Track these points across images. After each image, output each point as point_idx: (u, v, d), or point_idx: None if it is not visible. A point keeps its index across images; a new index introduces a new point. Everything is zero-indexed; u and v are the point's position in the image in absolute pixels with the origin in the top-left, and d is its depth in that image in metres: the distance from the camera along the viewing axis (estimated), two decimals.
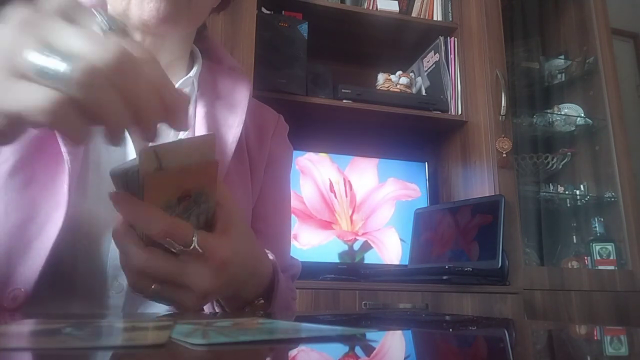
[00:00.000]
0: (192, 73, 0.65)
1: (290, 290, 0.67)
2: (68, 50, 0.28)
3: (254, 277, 0.49)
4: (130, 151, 0.56)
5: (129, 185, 0.37)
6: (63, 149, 0.51)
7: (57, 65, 0.28)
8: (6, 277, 0.47)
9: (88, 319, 0.31)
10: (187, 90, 0.65)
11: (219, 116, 0.64)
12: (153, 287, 0.40)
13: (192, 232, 0.39)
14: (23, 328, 0.25)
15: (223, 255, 0.41)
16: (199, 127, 0.62)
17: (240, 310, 0.51)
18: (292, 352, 0.23)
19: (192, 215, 0.41)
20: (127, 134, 0.58)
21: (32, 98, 0.29)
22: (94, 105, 0.29)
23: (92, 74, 0.28)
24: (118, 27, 0.32)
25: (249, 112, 0.67)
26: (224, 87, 0.68)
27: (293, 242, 1.65)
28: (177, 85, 0.63)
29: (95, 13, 0.32)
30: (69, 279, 0.51)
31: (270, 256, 0.55)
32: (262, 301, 0.51)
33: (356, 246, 1.72)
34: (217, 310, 0.53)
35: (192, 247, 0.39)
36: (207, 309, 0.54)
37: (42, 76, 0.28)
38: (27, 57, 0.28)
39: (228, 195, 0.45)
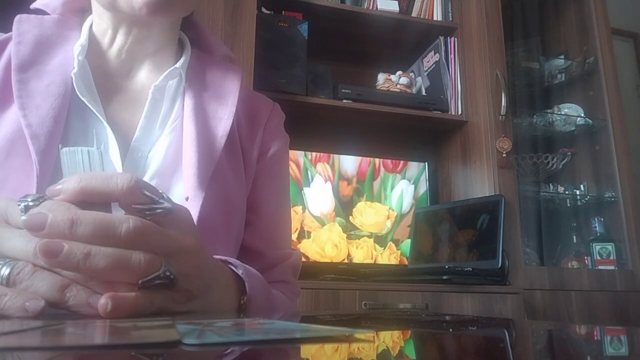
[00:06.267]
0: (179, 64, 0.62)
1: (291, 286, 0.65)
2: (9, 254, 0.34)
3: (220, 276, 0.45)
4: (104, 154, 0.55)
5: None
6: (32, 151, 0.50)
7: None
8: None
9: (89, 319, 0.31)
10: (174, 81, 0.62)
11: (209, 109, 0.62)
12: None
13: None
14: (24, 326, 0.25)
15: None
16: (188, 120, 0.60)
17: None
18: (288, 352, 0.23)
19: None
20: (109, 136, 0.55)
21: None
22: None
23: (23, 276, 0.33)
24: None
25: (241, 102, 0.65)
26: (213, 78, 0.65)
27: (295, 241, 1.66)
28: (163, 76, 0.60)
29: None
30: None
31: (240, 271, 0.50)
32: (245, 299, 0.48)
33: (355, 244, 1.73)
34: None
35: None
36: None
37: None
38: None
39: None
